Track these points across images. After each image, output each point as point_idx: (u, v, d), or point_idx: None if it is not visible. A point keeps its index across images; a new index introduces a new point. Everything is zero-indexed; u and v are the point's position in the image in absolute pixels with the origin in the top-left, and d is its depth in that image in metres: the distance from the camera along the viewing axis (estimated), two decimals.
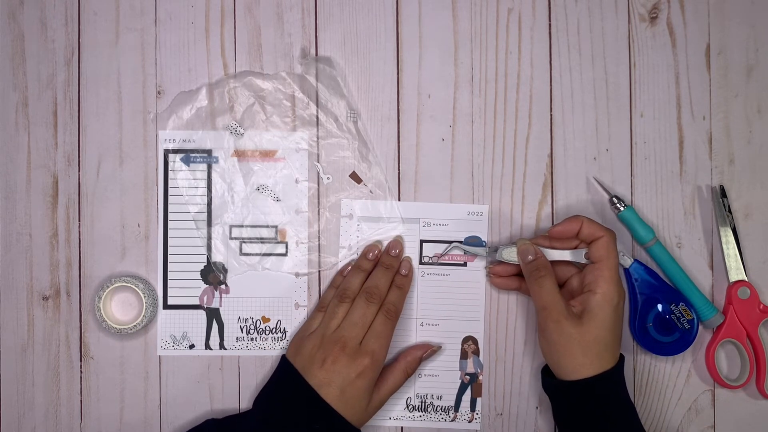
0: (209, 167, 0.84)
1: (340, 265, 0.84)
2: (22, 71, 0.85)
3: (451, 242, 0.84)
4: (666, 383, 0.84)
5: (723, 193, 0.84)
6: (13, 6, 0.85)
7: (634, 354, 0.84)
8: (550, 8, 0.85)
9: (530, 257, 0.79)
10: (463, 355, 0.84)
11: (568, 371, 0.77)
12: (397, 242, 0.84)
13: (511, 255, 0.81)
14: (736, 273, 0.83)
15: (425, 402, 0.84)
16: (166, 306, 0.84)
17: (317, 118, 0.85)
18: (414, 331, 0.84)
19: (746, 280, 0.83)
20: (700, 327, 0.83)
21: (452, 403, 0.84)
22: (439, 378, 0.84)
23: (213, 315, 0.84)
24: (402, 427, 0.84)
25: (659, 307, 0.82)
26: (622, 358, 0.78)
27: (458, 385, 0.85)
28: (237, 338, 0.84)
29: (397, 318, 0.81)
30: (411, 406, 0.85)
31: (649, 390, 0.84)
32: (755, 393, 0.84)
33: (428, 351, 0.83)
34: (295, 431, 0.76)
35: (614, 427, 0.76)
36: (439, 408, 0.84)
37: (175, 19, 0.85)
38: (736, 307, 0.83)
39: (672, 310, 0.82)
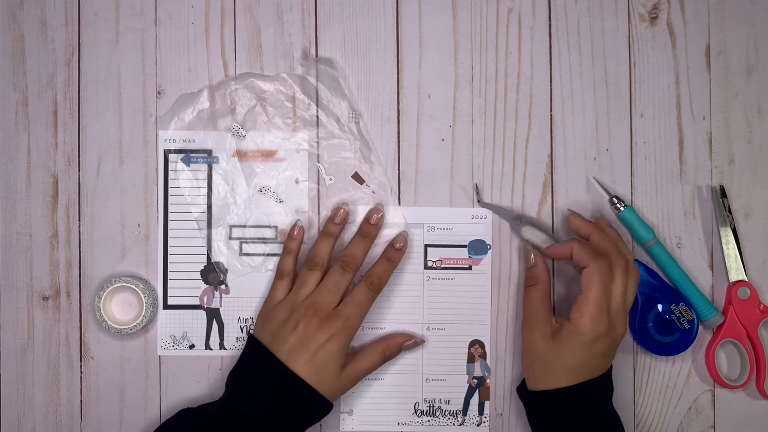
0: (210, 167, 0.84)
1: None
2: (22, 71, 0.84)
3: (455, 246, 0.84)
4: (666, 383, 0.84)
5: (723, 193, 0.84)
6: (13, 6, 0.85)
7: (634, 354, 0.84)
8: (550, 8, 0.85)
9: (530, 263, 0.80)
10: (470, 359, 0.84)
11: (531, 380, 0.78)
12: (378, 209, 0.83)
13: (531, 236, 0.81)
14: (736, 273, 0.83)
15: (433, 406, 0.84)
16: (166, 306, 0.84)
17: (318, 119, 0.85)
18: (421, 336, 0.84)
19: (746, 280, 0.83)
20: (700, 327, 0.83)
21: (460, 407, 0.84)
22: (447, 382, 0.84)
23: (213, 315, 0.84)
24: None
25: (659, 307, 0.82)
26: (592, 380, 0.76)
27: (466, 388, 0.84)
28: (237, 338, 0.84)
29: (379, 290, 0.80)
30: (419, 411, 0.84)
31: (649, 390, 0.84)
32: (755, 393, 0.84)
33: (411, 341, 0.83)
34: (263, 405, 0.76)
35: None
36: (447, 412, 0.84)
37: (175, 19, 0.85)
38: (736, 307, 0.83)
39: (672, 310, 0.82)
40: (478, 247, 0.84)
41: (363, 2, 0.85)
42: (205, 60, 0.85)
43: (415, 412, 0.84)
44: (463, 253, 0.84)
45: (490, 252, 0.84)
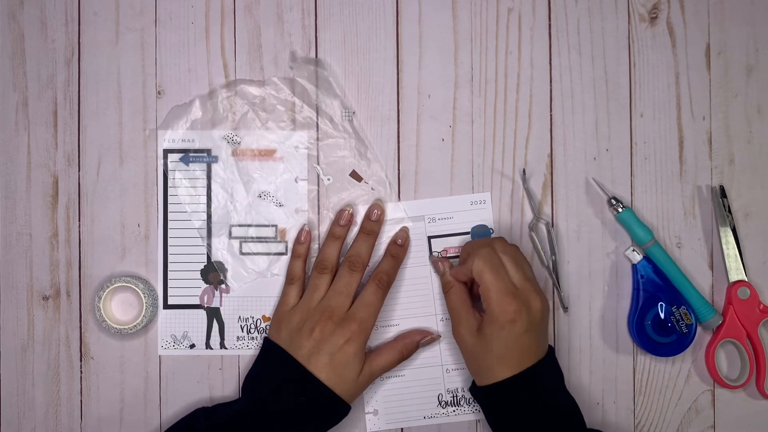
0: (209, 167, 0.84)
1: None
2: (22, 71, 0.85)
3: (458, 234, 0.84)
4: (666, 383, 0.84)
5: (723, 193, 0.84)
6: (13, 6, 0.85)
7: (634, 354, 0.84)
8: (550, 8, 0.85)
9: (440, 271, 0.82)
10: None
11: (477, 377, 0.79)
12: (377, 205, 0.84)
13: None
14: (736, 273, 0.83)
15: (456, 396, 0.84)
16: (166, 306, 0.84)
17: (312, 119, 0.84)
18: (435, 327, 0.84)
19: (746, 280, 0.83)
20: (699, 329, 0.83)
21: None
22: (467, 371, 0.84)
23: (213, 314, 0.84)
24: (430, 426, 0.84)
25: (660, 307, 0.82)
26: (533, 366, 0.76)
27: None
28: (237, 337, 0.84)
29: (388, 288, 0.81)
30: (444, 402, 0.84)
31: (649, 390, 0.84)
32: (755, 393, 0.84)
33: (427, 338, 0.83)
34: (284, 407, 0.76)
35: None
36: (471, 400, 0.84)
37: (175, 19, 0.85)
38: (736, 307, 0.83)
39: (672, 312, 0.82)
40: (480, 233, 0.84)
41: (363, 2, 0.85)
42: (205, 60, 0.85)
43: (440, 403, 0.84)
44: (467, 240, 0.84)
45: (492, 235, 0.84)
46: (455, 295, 0.80)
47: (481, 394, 0.78)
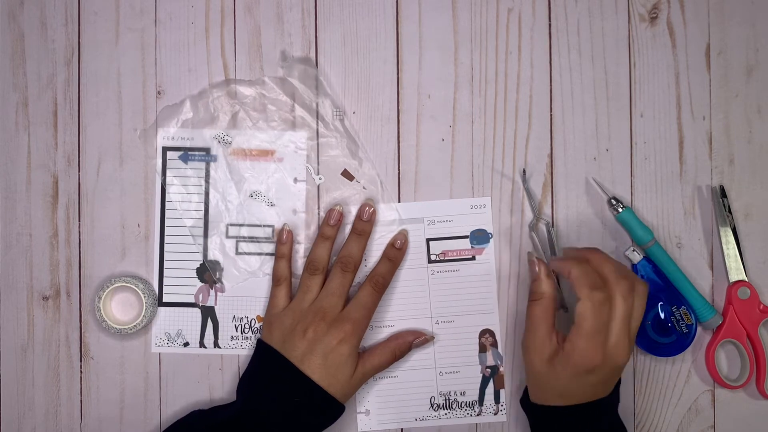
0: (207, 165, 0.84)
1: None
2: (22, 71, 0.85)
3: (457, 237, 0.84)
4: (666, 384, 0.84)
5: (723, 193, 0.84)
6: (13, 6, 0.85)
7: (634, 354, 0.84)
8: (550, 8, 0.85)
9: (534, 274, 0.78)
10: (482, 349, 0.84)
11: (531, 393, 0.78)
12: (368, 204, 0.83)
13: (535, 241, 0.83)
14: (736, 273, 0.83)
15: (449, 399, 0.84)
16: (161, 303, 0.84)
17: (304, 119, 0.84)
18: (430, 329, 0.84)
19: (746, 280, 0.83)
20: (699, 329, 0.83)
21: (476, 398, 0.84)
22: (460, 374, 0.84)
23: (208, 313, 0.84)
24: (430, 428, 0.84)
25: (660, 307, 0.82)
26: (583, 405, 0.75)
27: (480, 379, 0.84)
28: (231, 337, 0.84)
29: (384, 290, 0.81)
30: (435, 405, 0.84)
31: (649, 390, 0.84)
32: (755, 393, 0.83)
33: (420, 338, 0.83)
34: (278, 408, 0.76)
35: None
36: (463, 404, 0.84)
37: (175, 19, 0.85)
38: (736, 307, 0.83)
39: (672, 312, 0.82)
40: (480, 237, 0.84)
41: (363, 2, 0.85)
42: (205, 60, 0.85)
43: (432, 406, 0.84)
44: (466, 243, 0.84)
45: (492, 240, 0.84)
46: (540, 309, 0.75)
47: (533, 409, 0.78)
